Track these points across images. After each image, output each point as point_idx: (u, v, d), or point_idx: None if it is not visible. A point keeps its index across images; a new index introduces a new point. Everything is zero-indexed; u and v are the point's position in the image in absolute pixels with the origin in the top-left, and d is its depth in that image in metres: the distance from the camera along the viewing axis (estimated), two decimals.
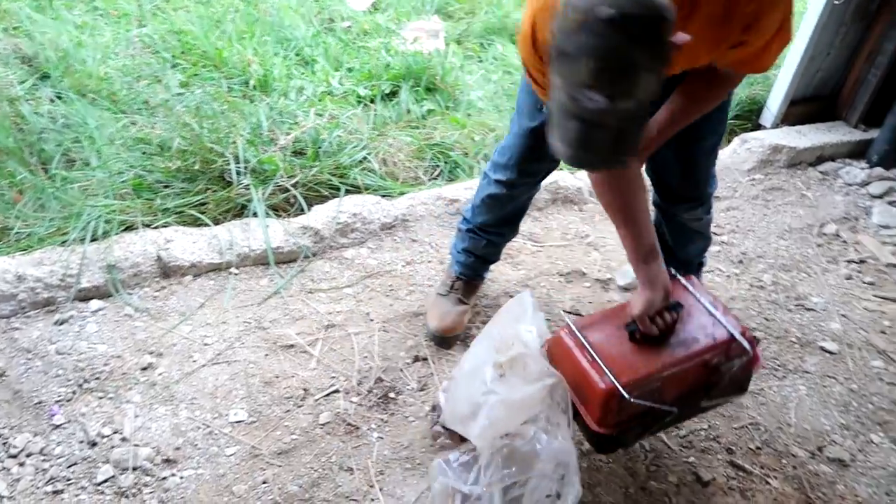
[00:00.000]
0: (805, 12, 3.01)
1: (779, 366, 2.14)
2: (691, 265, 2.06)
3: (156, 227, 2.28)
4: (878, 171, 3.08)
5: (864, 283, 2.52)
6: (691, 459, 1.82)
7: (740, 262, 2.57)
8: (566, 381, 1.50)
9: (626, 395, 1.40)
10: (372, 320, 2.16)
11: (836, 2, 2.84)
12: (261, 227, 2.33)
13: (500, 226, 2.04)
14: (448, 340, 2.05)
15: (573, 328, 1.53)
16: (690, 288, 1.62)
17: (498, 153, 1.89)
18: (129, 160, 2.47)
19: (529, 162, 1.81)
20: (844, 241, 2.72)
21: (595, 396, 1.45)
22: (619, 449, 1.72)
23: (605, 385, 1.43)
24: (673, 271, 1.62)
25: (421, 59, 3.19)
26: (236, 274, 2.25)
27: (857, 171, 3.08)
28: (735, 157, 3.11)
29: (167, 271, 2.19)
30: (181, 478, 1.66)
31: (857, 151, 3.18)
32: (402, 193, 2.62)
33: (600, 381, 1.43)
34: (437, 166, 2.78)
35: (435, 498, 1.56)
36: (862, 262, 2.62)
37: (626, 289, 2.36)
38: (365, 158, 2.68)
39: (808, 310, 2.37)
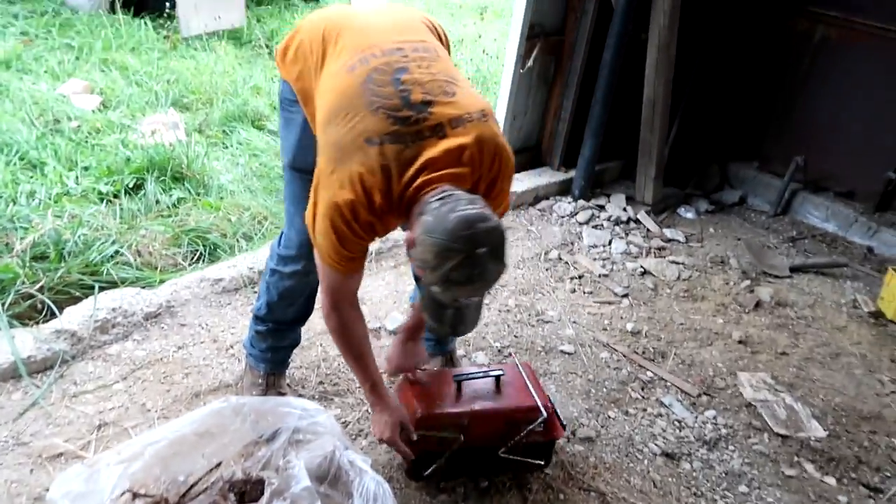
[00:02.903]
0: (501, 80, 3.61)
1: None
2: None
3: None
4: (581, 203, 3.73)
5: (585, 292, 3.03)
6: None
7: (488, 292, 2.93)
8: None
9: (421, 413, 1.83)
10: (149, 410, 2.11)
11: (521, 70, 3.45)
12: (5, 339, 2.16)
13: (303, 311, 2.09)
14: None
15: (419, 374, 1.99)
16: (519, 367, 2.05)
17: (284, 247, 1.92)
18: None
19: None
20: (566, 263, 3.24)
21: (412, 421, 1.85)
22: (428, 476, 1.94)
23: (418, 414, 1.85)
24: (513, 359, 2.07)
25: (163, 150, 3.20)
26: None
27: (565, 205, 3.69)
28: None
29: None
30: None
31: (563, 189, 3.82)
32: (162, 281, 2.59)
33: (415, 410, 1.86)
34: (197, 251, 2.79)
35: None
36: (581, 276, 3.14)
37: (395, 332, 2.58)
38: (117, 252, 2.61)
39: (547, 322, 2.79)
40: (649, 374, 2.56)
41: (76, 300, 2.43)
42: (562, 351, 2.62)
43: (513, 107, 3.59)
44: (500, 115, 3.60)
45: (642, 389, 2.48)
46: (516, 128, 3.71)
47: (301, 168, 1.77)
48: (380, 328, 2.60)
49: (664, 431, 2.30)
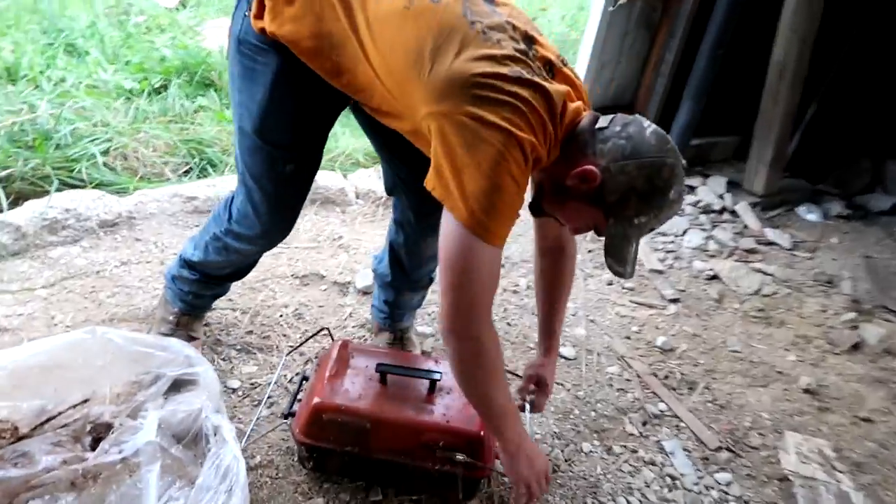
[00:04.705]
0: (588, 19, 2.99)
1: (509, 373, 2.01)
2: (420, 282, 1.92)
3: None
4: None
5: (625, 288, 2.46)
6: None
7: (502, 266, 2.45)
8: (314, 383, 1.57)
9: (319, 400, 1.47)
10: (56, 325, 1.91)
11: (611, 8, 2.81)
12: None
13: (242, 273, 1.81)
14: None
15: (349, 347, 1.63)
16: None
17: (238, 224, 1.61)
18: None
19: (286, 223, 1.61)
20: None
21: (307, 405, 1.51)
22: (320, 468, 1.60)
23: (315, 400, 1.49)
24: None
25: (197, 54, 2.99)
26: None
27: None
28: None
29: None
30: None
31: None
32: (137, 189, 2.39)
33: (315, 396, 1.50)
34: (188, 163, 2.56)
35: None
36: None
37: (364, 292, 2.20)
38: (103, 152, 2.44)
39: None
40: (662, 406, 1.99)
41: (45, 195, 2.29)
42: (559, 354, 2.11)
43: (599, 54, 2.97)
44: (583, 62, 3.00)
45: (643, 424, 1.92)
46: (604, 80, 3.10)
47: (270, 140, 1.42)
48: (348, 283, 2.23)
49: (647, 486, 1.75)
